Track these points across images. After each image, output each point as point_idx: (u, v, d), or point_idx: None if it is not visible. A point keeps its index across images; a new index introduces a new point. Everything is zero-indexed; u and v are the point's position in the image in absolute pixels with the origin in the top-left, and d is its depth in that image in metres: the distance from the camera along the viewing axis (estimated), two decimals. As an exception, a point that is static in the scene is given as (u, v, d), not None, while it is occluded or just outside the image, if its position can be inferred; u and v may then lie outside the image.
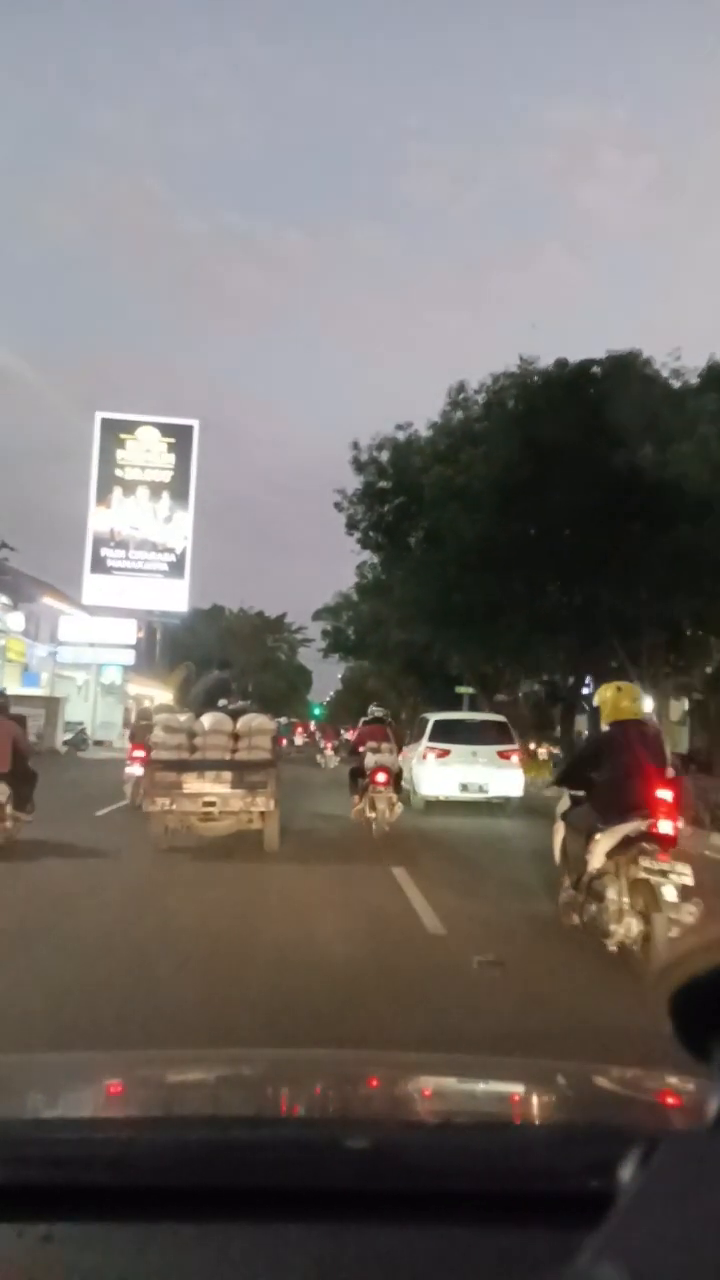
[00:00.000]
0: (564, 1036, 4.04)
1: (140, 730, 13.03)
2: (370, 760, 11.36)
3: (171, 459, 46.92)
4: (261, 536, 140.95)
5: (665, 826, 5.48)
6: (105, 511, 45.97)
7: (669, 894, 5.18)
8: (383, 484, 22.51)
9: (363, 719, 12.68)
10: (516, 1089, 1.65)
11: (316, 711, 69.28)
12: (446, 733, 14.98)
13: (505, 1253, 0.94)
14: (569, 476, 16.35)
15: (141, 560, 45.78)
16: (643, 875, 5.31)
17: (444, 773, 14.56)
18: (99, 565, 45.22)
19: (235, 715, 9.69)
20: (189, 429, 47.74)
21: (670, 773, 6.01)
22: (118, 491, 46.23)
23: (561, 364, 19.17)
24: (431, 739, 14.84)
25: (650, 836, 5.45)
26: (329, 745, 32.22)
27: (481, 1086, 1.71)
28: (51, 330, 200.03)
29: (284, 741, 36.38)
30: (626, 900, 5.40)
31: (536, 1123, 1.43)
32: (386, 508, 22.75)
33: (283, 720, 53.79)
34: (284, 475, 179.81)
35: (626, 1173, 0.77)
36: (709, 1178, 0.65)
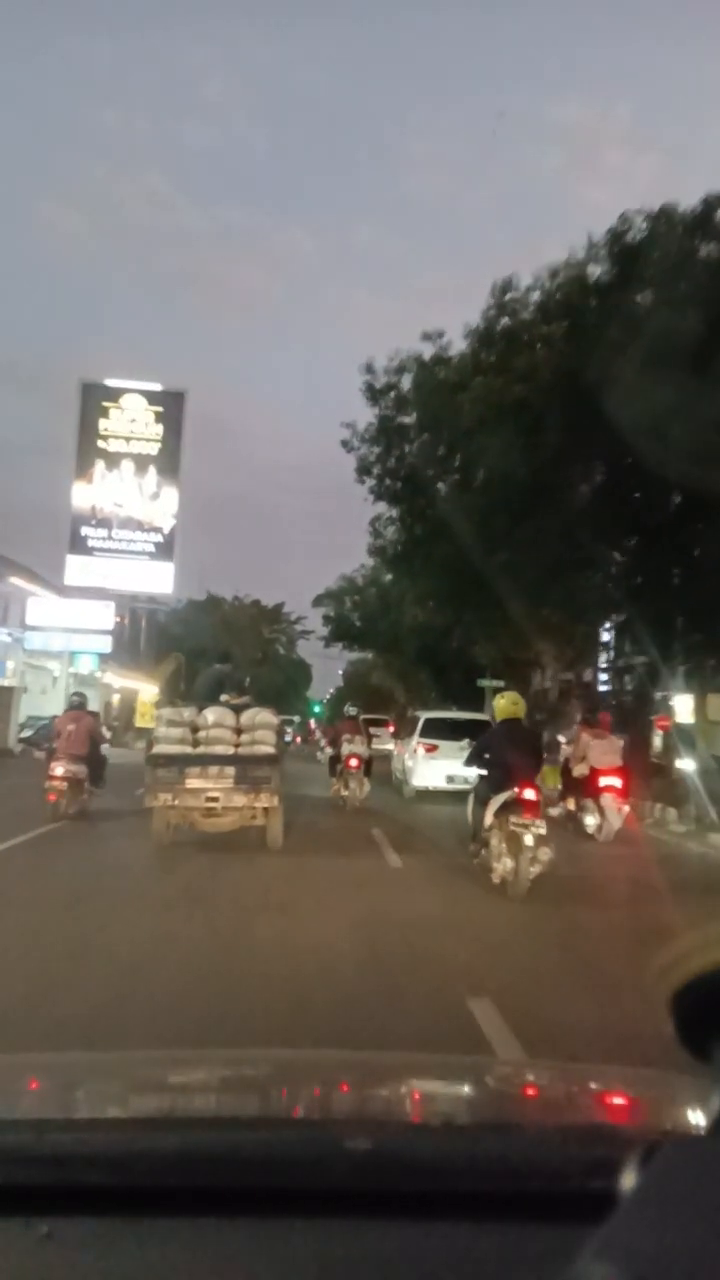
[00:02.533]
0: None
1: None
2: (345, 749, 13.89)
3: (159, 430, 42.67)
4: (261, 534, 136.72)
5: (528, 794, 7.65)
6: (86, 487, 41.69)
7: (528, 840, 7.38)
8: (403, 419, 17.97)
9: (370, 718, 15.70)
10: (517, 1089, 1.69)
11: (316, 709, 65.36)
12: (435, 730, 16.31)
13: (506, 1253, 0.93)
14: (682, 375, 11.79)
15: (126, 540, 41.51)
16: (512, 828, 7.49)
17: (432, 766, 15.83)
18: (79, 545, 40.94)
19: (238, 710, 9.53)
20: (179, 396, 43.49)
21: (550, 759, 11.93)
22: (100, 465, 41.96)
23: (669, 211, 14.19)
24: (422, 735, 16.34)
25: (519, 802, 7.62)
26: (328, 743, 30.00)
27: (482, 1087, 1.70)
28: (51, 326, 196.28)
29: (299, 739, 34.00)
30: (504, 846, 7.61)
31: (537, 1123, 1.41)
32: (408, 447, 18.12)
33: (295, 718, 50.29)
34: (285, 473, 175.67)
35: (627, 1173, 0.78)
36: (709, 1178, 0.65)
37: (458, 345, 17.15)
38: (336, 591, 41.92)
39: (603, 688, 44.67)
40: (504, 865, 7.49)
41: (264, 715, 9.44)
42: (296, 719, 50.74)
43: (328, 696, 70.97)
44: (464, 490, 16.33)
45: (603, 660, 42.29)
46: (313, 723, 54.14)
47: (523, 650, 21.50)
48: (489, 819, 7.69)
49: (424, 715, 17.62)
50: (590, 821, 11.65)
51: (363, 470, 18.68)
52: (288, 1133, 1.20)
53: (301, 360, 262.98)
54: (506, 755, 7.78)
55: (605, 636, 30.24)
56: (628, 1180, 0.77)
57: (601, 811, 11.57)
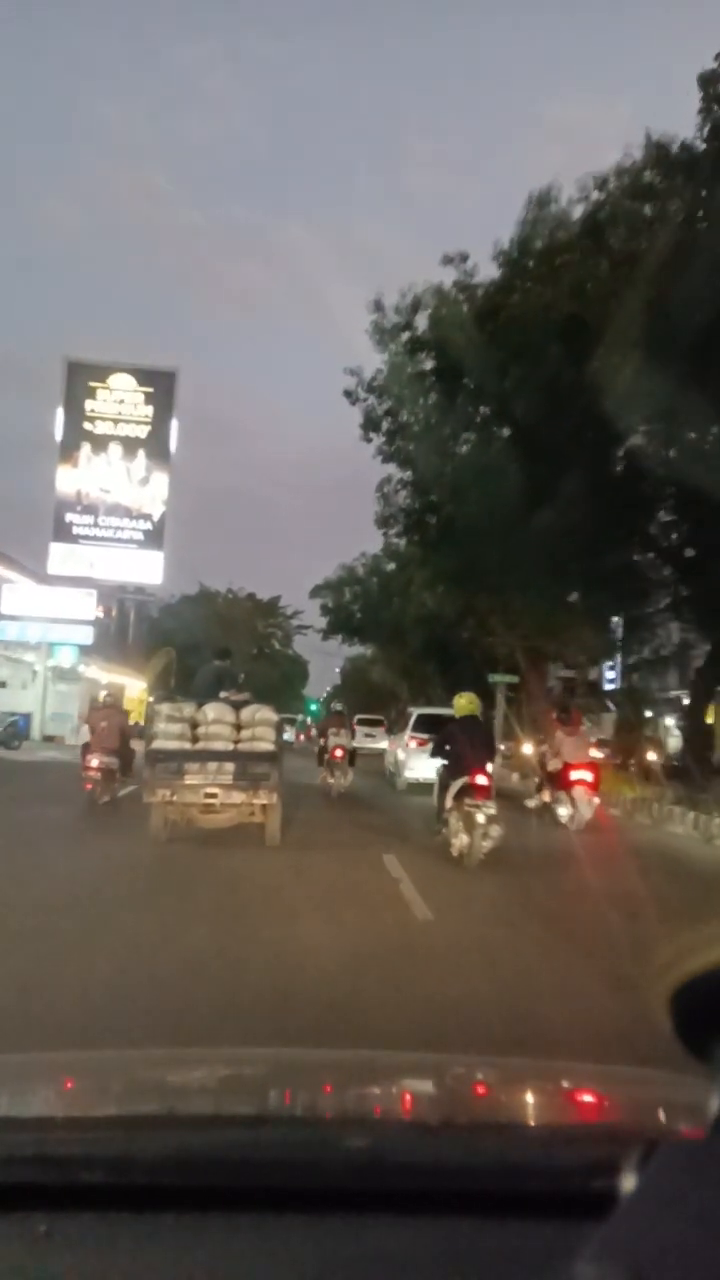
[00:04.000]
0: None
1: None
2: (331, 741, 15.51)
3: (149, 411, 40.42)
4: (258, 533, 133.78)
5: (481, 780, 8.79)
6: (71, 471, 39.44)
7: (480, 819, 8.56)
8: (419, 365, 15.38)
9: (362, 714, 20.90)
10: (517, 1089, 1.65)
11: (313, 708, 63.33)
12: (427, 725, 16.54)
13: (506, 1253, 0.93)
14: None
15: (113, 528, 39.30)
16: (467, 809, 8.67)
17: (424, 759, 16.24)
18: (63, 532, 38.71)
19: (238, 707, 9.57)
20: (170, 376, 41.28)
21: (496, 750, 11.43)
22: (86, 448, 39.68)
23: None
24: (414, 730, 17.17)
25: (472, 787, 8.75)
26: (318, 736, 29.79)
27: (481, 1087, 1.69)
28: (49, 322, 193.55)
29: (302, 737, 32.43)
30: (461, 824, 8.72)
31: (537, 1123, 1.42)
32: (424, 401, 15.48)
33: (300, 717, 48.26)
34: (283, 470, 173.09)
35: (627, 1173, 0.79)
36: (709, 1178, 0.66)
37: (485, 271, 14.63)
38: (335, 582, 39.32)
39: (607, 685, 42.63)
40: (460, 840, 8.66)
41: (264, 712, 9.46)
42: (300, 718, 48.86)
43: (324, 695, 69.00)
44: (491, 444, 13.81)
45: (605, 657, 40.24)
46: (309, 721, 52.23)
47: (546, 641, 19.15)
48: (449, 802, 8.89)
49: (416, 711, 18.72)
50: (563, 812, 12.73)
51: (369, 425, 16.15)
52: (287, 1132, 1.20)
53: (300, 357, 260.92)
54: (463, 747, 8.94)
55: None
56: (628, 1180, 0.76)
57: (573, 802, 12.61)
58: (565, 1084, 1.68)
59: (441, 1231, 0.95)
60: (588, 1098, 1.57)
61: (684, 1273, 0.56)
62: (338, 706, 17.15)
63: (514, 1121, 1.41)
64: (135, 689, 38.57)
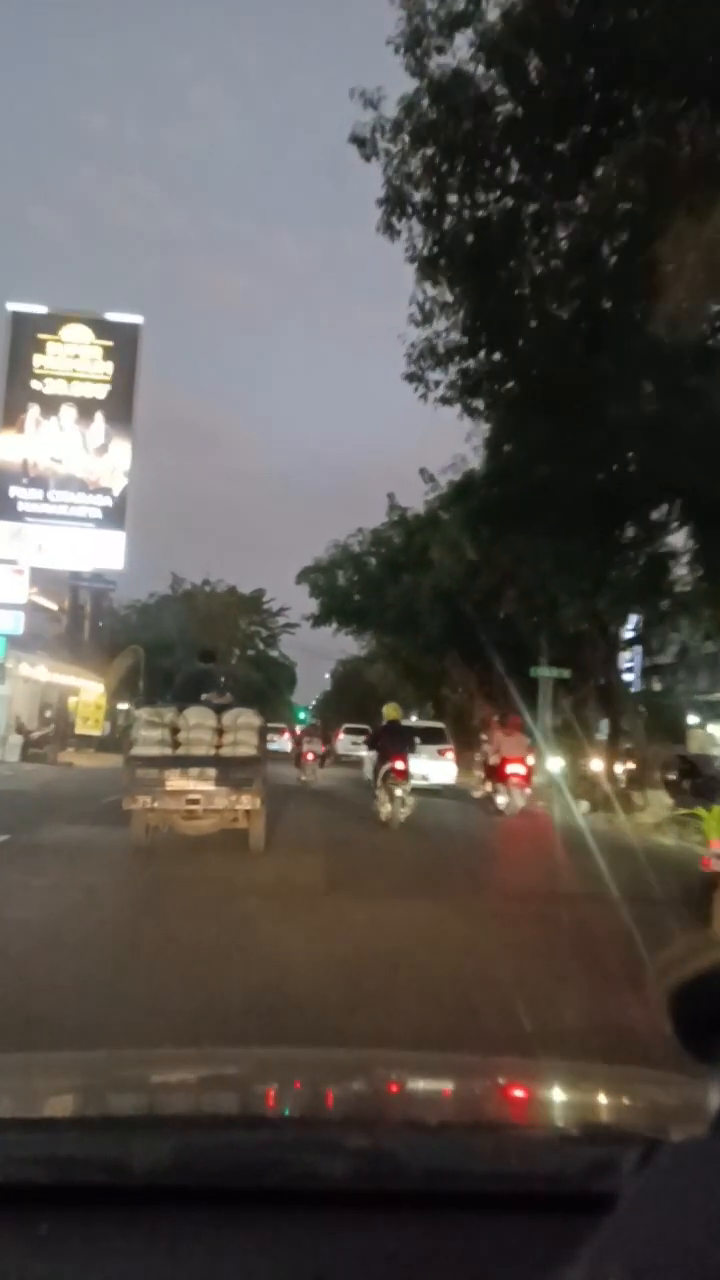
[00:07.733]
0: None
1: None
2: (305, 747, 20.47)
3: (108, 368, 34.67)
4: (248, 542, 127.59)
5: (399, 765, 12.24)
6: (16, 437, 33.67)
7: (398, 793, 12.10)
8: (482, 82, 8.63)
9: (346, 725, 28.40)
10: (517, 1089, 1.66)
11: (302, 716, 57.61)
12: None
13: (505, 1253, 0.94)
14: None
15: (66, 504, 33.54)
16: (389, 786, 12.20)
17: None
18: (7, 509, 32.91)
19: (220, 710, 9.53)
20: (132, 328, 35.60)
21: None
22: (34, 410, 33.89)
23: None
24: None
25: (393, 771, 12.20)
26: (294, 743, 32.63)
27: (482, 1087, 1.69)
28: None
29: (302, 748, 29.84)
30: (385, 797, 12.29)
31: (537, 1123, 1.41)
32: (498, 148, 8.61)
33: (299, 729, 42.90)
34: (273, 481, 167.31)
35: (627, 1173, 0.80)
36: (709, 1178, 0.67)
37: None
38: (327, 563, 33.07)
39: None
40: (385, 809, 12.22)
41: (246, 716, 9.35)
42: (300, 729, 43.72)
43: (313, 702, 63.51)
44: (622, 204, 7.42)
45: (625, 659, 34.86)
46: (298, 729, 46.70)
47: (650, 608, 13.20)
48: (379, 781, 12.42)
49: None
50: (501, 800, 15.78)
51: (394, 200, 9.13)
52: (287, 1132, 1.21)
53: (291, 367, 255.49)
54: (388, 743, 12.69)
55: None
56: (628, 1180, 0.77)
57: (509, 792, 15.59)
58: (565, 1084, 1.68)
59: (441, 1231, 0.95)
60: (588, 1098, 1.58)
61: (684, 1273, 0.55)
62: (313, 721, 18.85)
63: (514, 1121, 1.41)
64: (94, 692, 32.49)
